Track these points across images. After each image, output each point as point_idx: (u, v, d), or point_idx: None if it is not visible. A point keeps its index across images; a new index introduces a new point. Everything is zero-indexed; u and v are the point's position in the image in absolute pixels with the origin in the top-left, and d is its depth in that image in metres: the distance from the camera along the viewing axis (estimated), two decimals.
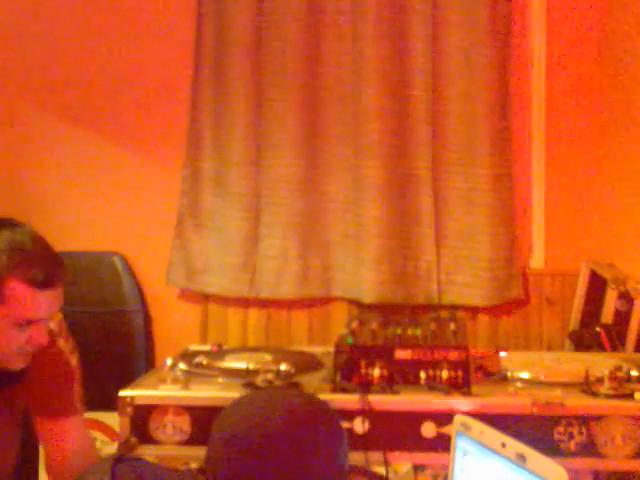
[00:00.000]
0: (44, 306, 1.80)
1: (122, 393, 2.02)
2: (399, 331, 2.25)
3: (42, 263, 1.78)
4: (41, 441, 2.07)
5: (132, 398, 2.01)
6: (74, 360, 2.02)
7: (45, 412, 2.01)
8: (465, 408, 1.96)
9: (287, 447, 1.38)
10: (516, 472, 1.37)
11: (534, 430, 1.95)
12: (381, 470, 1.93)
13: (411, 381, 2.09)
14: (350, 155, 3.47)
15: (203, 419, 1.94)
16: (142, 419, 2.04)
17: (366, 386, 2.05)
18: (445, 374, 2.08)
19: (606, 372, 2.02)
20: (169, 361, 2.28)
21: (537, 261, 3.52)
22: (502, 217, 3.42)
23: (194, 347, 2.54)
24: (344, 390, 2.04)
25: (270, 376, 2.00)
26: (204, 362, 2.28)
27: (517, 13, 3.45)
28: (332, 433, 1.46)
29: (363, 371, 2.09)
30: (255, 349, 2.59)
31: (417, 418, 1.99)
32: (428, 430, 1.99)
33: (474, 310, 3.47)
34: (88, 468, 1.54)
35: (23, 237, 1.79)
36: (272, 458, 1.38)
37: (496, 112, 3.40)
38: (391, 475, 1.97)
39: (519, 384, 2.13)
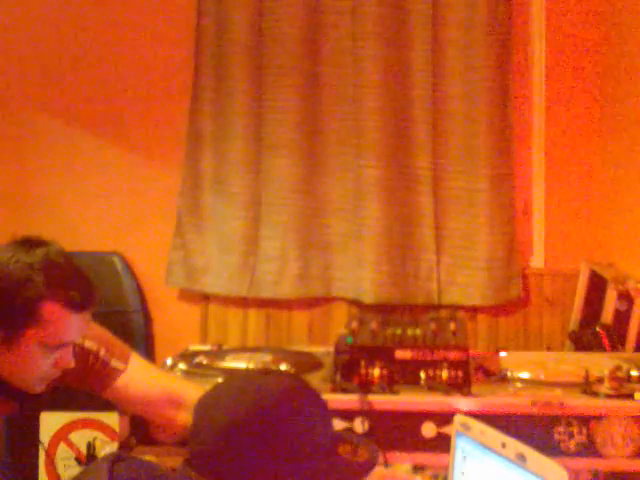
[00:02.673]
0: (77, 329, 1.75)
1: None
2: (399, 331, 2.25)
3: (78, 284, 1.73)
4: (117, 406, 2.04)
5: None
6: (93, 338, 1.94)
7: (96, 389, 1.98)
8: (465, 408, 1.96)
9: (285, 430, 1.38)
10: (516, 472, 1.37)
11: (534, 430, 1.95)
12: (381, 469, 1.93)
13: (411, 381, 2.09)
14: (350, 155, 3.47)
15: None
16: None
17: (366, 386, 2.05)
18: (445, 374, 2.08)
19: (606, 372, 2.02)
20: (169, 361, 2.28)
21: (537, 261, 3.52)
22: (502, 217, 3.42)
23: (194, 347, 2.54)
24: (344, 390, 2.04)
25: None
26: (204, 362, 2.28)
27: (517, 13, 3.45)
28: (318, 407, 1.47)
29: (363, 371, 2.09)
30: (255, 349, 2.59)
31: (417, 418, 2.00)
32: (428, 430, 1.99)
33: (474, 310, 3.47)
34: (86, 468, 1.54)
35: (58, 257, 1.73)
36: (271, 444, 1.37)
37: (496, 112, 3.39)
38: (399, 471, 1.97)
39: (519, 384, 2.13)
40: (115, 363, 1.95)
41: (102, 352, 1.94)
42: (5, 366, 1.73)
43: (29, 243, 1.74)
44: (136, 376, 1.97)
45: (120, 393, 1.96)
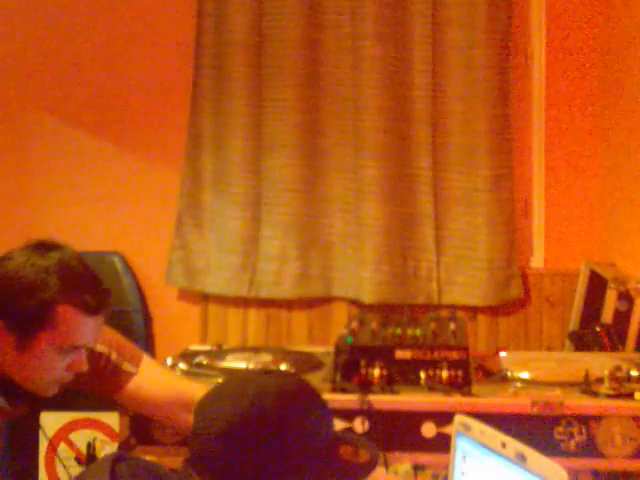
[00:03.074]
0: (91, 332, 1.75)
1: None
2: (399, 331, 2.25)
3: (92, 288, 1.74)
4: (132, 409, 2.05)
5: None
6: (104, 342, 1.93)
7: (108, 393, 1.98)
8: (465, 408, 1.95)
9: (285, 430, 1.39)
10: (516, 472, 1.37)
11: (534, 430, 1.95)
12: (380, 471, 1.93)
13: (411, 381, 2.09)
14: (350, 155, 3.47)
15: None
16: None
17: (366, 386, 2.05)
18: (445, 374, 2.08)
19: (606, 372, 2.02)
20: (169, 361, 2.28)
21: (537, 261, 3.52)
22: (502, 217, 3.42)
23: (194, 347, 2.53)
24: (344, 390, 2.04)
25: None
26: (204, 362, 2.28)
27: (517, 13, 3.45)
28: (319, 408, 1.47)
29: (363, 371, 2.09)
30: (255, 349, 2.58)
31: (417, 418, 1.99)
32: (428, 430, 1.99)
33: (474, 310, 3.47)
34: (87, 468, 1.54)
35: (72, 260, 1.74)
36: (271, 445, 1.38)
37: (496, 112, 3.40)
38: (391, 475, 1.97)
39: (519, 384, 2.13)
40: (127, 367, 1.95)
41: (114, 356, 1.94)
42: (18, 369, 1.73)
43: (44, 247, 1.74)
44: (147, 379, 1.97)
45: (131, 396, 1.96)
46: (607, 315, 2.86)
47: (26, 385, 1.76)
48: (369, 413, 1.99)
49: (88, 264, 1.78)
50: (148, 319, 3.63)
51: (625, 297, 2.75)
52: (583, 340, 2.85)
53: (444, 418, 1.95)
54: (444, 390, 2.04)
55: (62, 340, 1.71)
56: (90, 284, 1.75)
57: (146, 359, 2.00)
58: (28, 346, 1.70)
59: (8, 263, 1.71)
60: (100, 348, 1.91)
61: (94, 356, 1.88)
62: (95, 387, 1.95)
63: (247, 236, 3.52)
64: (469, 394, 2.04)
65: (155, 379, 1.99)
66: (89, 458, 3.38)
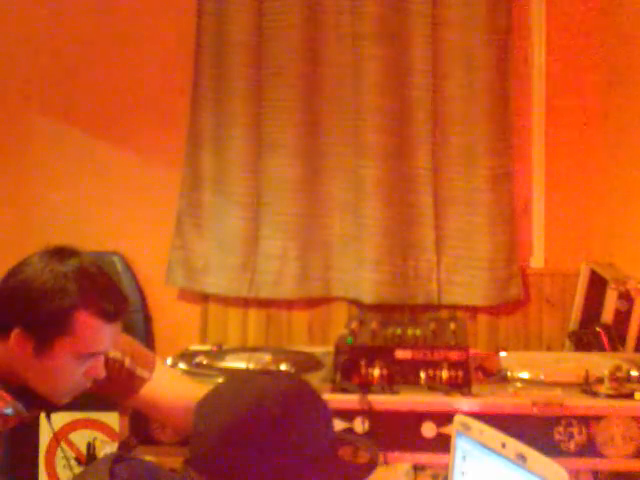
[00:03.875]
0: (109, 339, 1.76)
1: None
2: (399, 331, 2.25)
3: (110, 295, 1.75)
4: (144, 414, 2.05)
5: None
6: (118, 348, 1.93)
7: (121, 398, 1.99)
8: (465, 408, 1.96)
9: (285, 432, 1.39)
10: (516, 472, 1.37)
11: (534, 430, 1.95)
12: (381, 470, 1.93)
13: (411, 381, 2.09)
14: (350, 155, 3.47)
15: None
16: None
17: (366, 386, 2.06)
18: (445, 374, 2.08)
19: (606, 372, 2.02)
20: (169, 361, 2.28)
21: (537, 261, 3.52)
22: (502, 217, 3.42)
23: (194, 347, 2.54)
24: (344, 390, 2.05)
25: None
26: (204, 362, 2.28)
27: (517, 13, 3.45)
28: (320, 409, 1.47)
29: (363, 371, 2.10)
30: (255, 349, 2.59)
31: (417, 418, 2.00)
32: (428, 430, 1.99)
33: (474, 310, 3.47)
34: (86, 468, 1.54)
35: (91, 267, 1.74)
36: (271, 446, 1.38)
37: (496, 112, 3.39)
38: (391, 475, 1.97)
39: (519, 384, 2.13)
40: (140, 372, 1.95)
41: (127, 361, 1.94)
42: (36, 375, 1.73)
43: (62, 253, 1.74)
44: (161, 385, 1.97)
45: (144, 402, 1.97)
46: (607, 315, 2.86)
47: (43, 392, 1.76)
48: (369, 413, 1.99)
49: (106, 271, 1.78)
50: (148, 319, 3.63)
51: (625, 297, 2.75)
52: (583, 340, 2.85)
53: (444, 418, 1.95)
54: (444, 390, 2.04)
55: (80, 347, 1.71)
56: (108, 291, 1.75)
57: (160, 365, 2.01)
58: (46, 352, 1.70)
59: (26, 269, 1.72)
60: (114, 354, 1.91)
61: (108, 361, 1.88)
62: (108, 392, 1.95)
63: (247, 236, 3.52)
64: (469, 394, 2.04)
65: (169, 385, 1.99)
66: (89, 458, 3.38)
